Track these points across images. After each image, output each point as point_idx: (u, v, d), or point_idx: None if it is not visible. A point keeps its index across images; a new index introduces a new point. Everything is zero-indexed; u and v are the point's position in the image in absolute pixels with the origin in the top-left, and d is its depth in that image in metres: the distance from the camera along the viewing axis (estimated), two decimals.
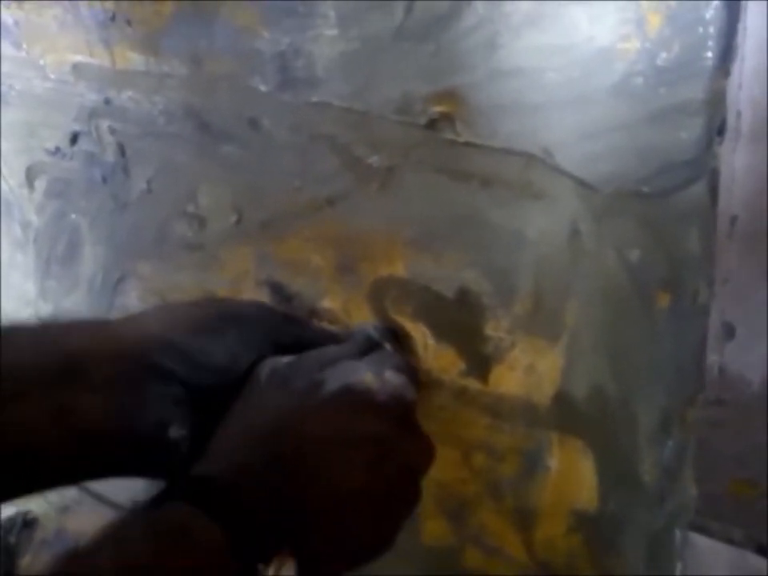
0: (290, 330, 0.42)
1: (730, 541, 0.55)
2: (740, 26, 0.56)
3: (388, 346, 0.41)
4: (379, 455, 0.36)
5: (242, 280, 0.52)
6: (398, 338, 0.45)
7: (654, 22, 0.34)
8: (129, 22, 0.51)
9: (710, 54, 0.33)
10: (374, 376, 0.38)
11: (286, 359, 0.39)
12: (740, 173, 0.63)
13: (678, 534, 0.42)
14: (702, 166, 0.36)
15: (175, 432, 0.37)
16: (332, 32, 0.43)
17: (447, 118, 0.41)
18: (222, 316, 0.40)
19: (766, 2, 0.57)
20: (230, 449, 0.35)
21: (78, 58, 0.55)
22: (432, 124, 0.41)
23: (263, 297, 0.50)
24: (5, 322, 0.36)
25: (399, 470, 0.37)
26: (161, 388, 0.37)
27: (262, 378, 0.38)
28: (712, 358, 0.69)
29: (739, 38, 0.59)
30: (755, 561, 0.53)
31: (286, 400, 0.37)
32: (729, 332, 0.69)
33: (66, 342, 0.37)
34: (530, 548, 0.46)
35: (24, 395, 0.34)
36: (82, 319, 0.43)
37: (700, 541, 0.55)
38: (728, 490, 0.61)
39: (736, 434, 0.65)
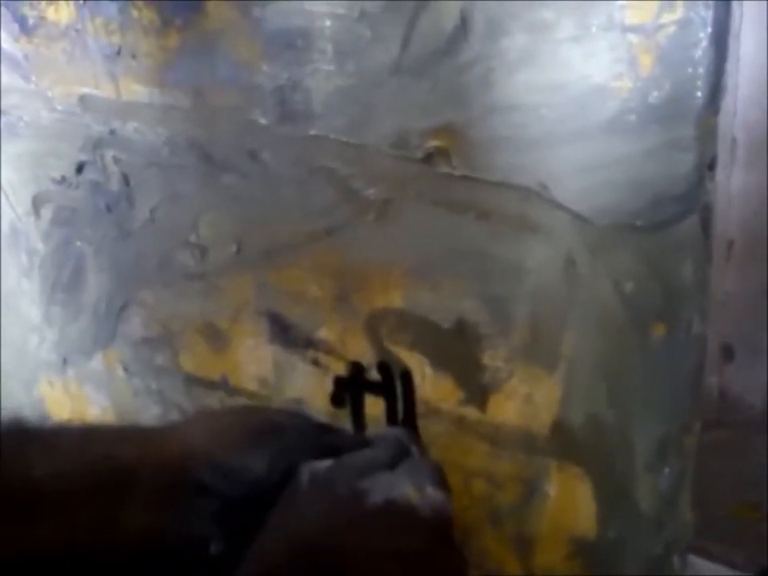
0: (324, 439, 0.42)
1: (731, 564, 0.55)
2: (728, 64, 0.57)
3: (414, 448, 0.42)
4: (418, 571, 0.36)
5: (242, 309, 0.52)
6: (420, 440, 0.46)
7: (646, 61, 0.35)
8: (134, 56, 0.52)
9: (699, 93, 0.34)
10: (416, 491, 0.38)
11: (324, 464, 0.39)
12: (736, 198, 0.64)
13: (676, 559, 0.42)
14: (694, 199, 0.36)
15: (215, 548, 0.37)
16: (329, 67, 0.43)
17: (443, 153, 0.41)
18: (263, 429, 0.40)
19: (759, 32, 0.58)
20: (269, 558, 0.35)
21: (85, 89, 0.56)
22: (428, 158, 0.42)
23: (262, 326, 0.51)
24: (53, 421, 0.37)
25: None
26: (201, 503, 0.37)
27: (302, 483, 0.38)
28: (711, 381, 0.70)
29: (729, 74, 0.60)
30: None
31: (327, 508, 0.37)
32: (728, 354, 0.70)
33: (112, 452, 0.37)
34: (530, 574, 0.46)
35: (67, 505, 0.34)
36: (129, 426, 0.43)
37: (702, 564, 0.55)
38: (730, 512, 0.61)
39: (737, 456, 0.66)
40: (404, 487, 0.38)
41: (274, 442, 0.40)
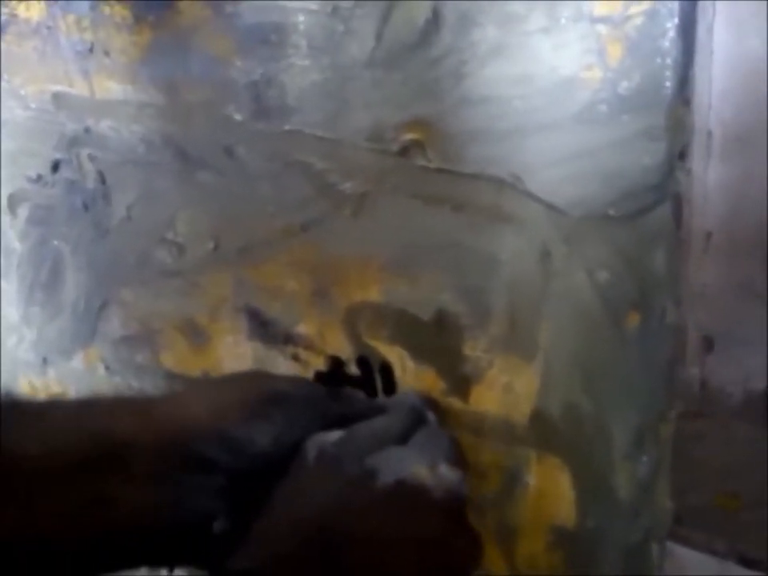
0: (334, 407, 0.41)
1: (713, 552, 0.56)
2: (703, 58, 0.57)
3: (431, 416, 0.40)
4: (430, 556, 0.35)
5: (221, 306, 0.52)
6: (438, 406, 0.44)
7: (615, 52, 0.35)
8: (107, 53, 0.52)
9: (668, 83, 0.34)
10: (429, 470, 0.36)
11: (332, 437, 0.37)
12: (713, 191, 0.65)
13: (654, 547, 0.43)
14: (665, 189, 0.36)
15: (219, 526, 0.36)
16: (303, 62, 0.43)
17: (418, 145, 0.41)
18: (267, 398, 0.39)
19: (733, 26, 0.58)
20: (274, 539, 0.34)
21: (58, 87, 0.55)
22: (404, 151, 0.42)
23: (242, 323, 0.51)
24: (47, 396, 0.36)
25: (448, 568, 0.36)
26: (204, 479, 0.36)
27: (309, 459, 0.37)
28: (692, 372, 0.70)
29: (703, 68, 0.60)
30: (738, 571, 0.54)
31: (336, 489, 0.35)
32: (708, 345, 0.70)
33: (107, 425, 0.36)
34: (512, 564, 0.47)
35: (65, 481, 0.33)
36: (124, 398, 0.41)
37: (683, 552, 0.55)
38: (711, 501, 0.61)
39: (718, 445, 0.66)
40: (416, 465, 0.36)
41: (280, 412, 0.38)
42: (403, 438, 0.38)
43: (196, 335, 0.55)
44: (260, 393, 0.39)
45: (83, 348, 0.63)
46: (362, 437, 0.38)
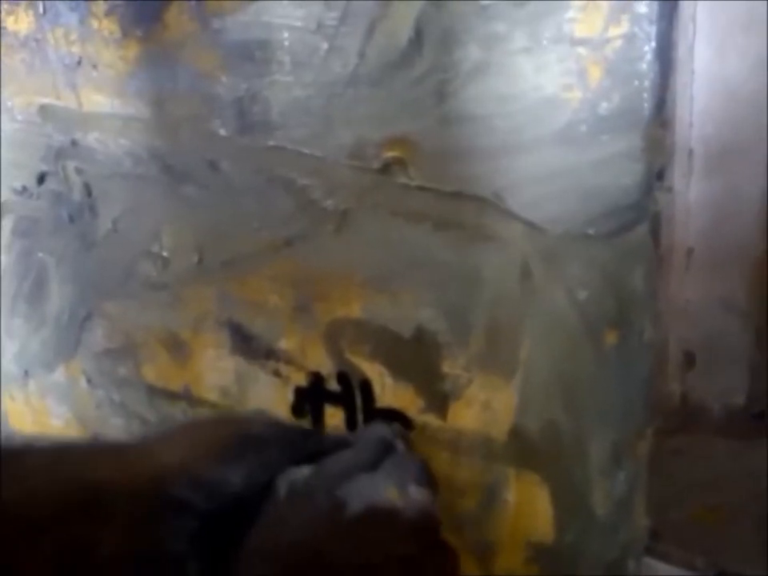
0: (305, 445, 0.41)
1: (692, 568, 0.56)
2: (684, 78, 0.58)
3: (400, 445, 0.41)
4: (406, 575, 0.35)
5: (204, 320, 0.52)
6: (407, 433, 0.45)
7: (595, 73, 0.36)
8: (95, 66, 0.52)
9: (646, 105, 0.35)
10: (398, 492, 0.37)
11: (302, 472, 0.38)
12: (695, 207, 0.65)
13: (631, 563, 0.43)
14: (643, 209, 0.37)
15: (192, 568, 0.36)
16: (287, 78, 0.44)
17: (400, 163, 0.42)
18: (239, 440, 0.39)
19: (713, 47, 0.59)
20: None
21: (46, 100, 0.55)
22: (385, 168, 0.42)
23: (224, 337, 0.51)
24: (21, 438, 0.35)
25: None
26: (178, 521, 0.36)
27: (280, 495, 0.37)
28: (674, 387, 0.71)
29: (685, 87, 0.61)
30: None
31: (306, 523, 0.36)
32: (689, 361, 0.71)
33: (83, 471, 0.36)
34: None
35: (38, 526, 0.33)
36: (101, 444, 0.42)
37: (663, 568, 0.55)
38: (690, 516, 0.61)
39: (698, 461, 0.66)
40: (386, 489, 0.37)
41: (252, 453, 0.39)
42: (372, 467, 0.39)
43: (178, 349, 0.55)
44: (231, 435, 0.40)
45: (65, 361, 0.63)
46: (332, 469, 0.38)
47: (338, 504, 0.36)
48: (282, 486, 0.38)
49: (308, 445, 0.41)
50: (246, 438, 0.40)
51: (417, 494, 0.37)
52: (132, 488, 0.35)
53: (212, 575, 0.35)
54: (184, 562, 0.36)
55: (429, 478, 0.39)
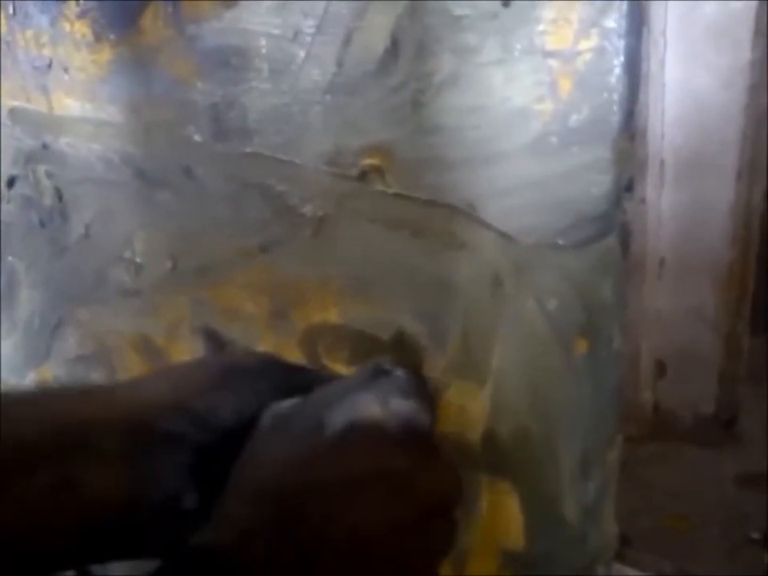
0: (296, 378, 0.40)
1: (660, 572, 0.57)
2: (655, 90, 0.59)
3: (400, 372, 0.38)
4: (396, 491, 0.33)
5: (178, 326, 0.52)
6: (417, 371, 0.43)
7: (565, 85, 0.36)
8: (66, 69, 0.52)
9: (614, 118, 0.35)
10: (381, 406, 0.35)
11: (288, 402, 0.37)
12: (666, 217, 0.66)
13: (600, 569, 0.43)
14: (612, 219, 0.37)
15: (189, 502, 0.35)
16: (264, 85, 0.44)
17: (377, 170, 0.42)
18: (227, 372, 0.39)
19: (683, 60, 0.60)
20: (233, 513, 0.33)
21: (15, 102, 0.55)
22: (363, 176, 0.42)
23: (198, 343, 0.51)
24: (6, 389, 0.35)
25: (422, 504, 0.34)
26: (172, 456, 0.35)
27: (263, 427, 0.36)
28: (646, 396, 0.72)
29: (656, 99, 0.62)
30: None
31: (287, 448, 0.35)
32: (660, 370, 0.72)
33: (68, 412, 0.35)
34: None
35: (26, 470, 0.32)
36: (84, 386, 0.41)
37: (632, 573, 0.56)
38: (660, 523, 0.62)
39: (669, 468, 0.67)
40: (367, 405, 0.35)
41: (241, 384, 0.38)
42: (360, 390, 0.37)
43: (153, 355, 0.55)
44: (220, 369, 0.39)
45: (36, 367, 0.62)
46: (319, 398, 0.37)
47: (318, 425, 0.35)
48: (267, 418, 0.36)
49: (300, 378, 0.40)
50: (235, 369, 0.39)
51: (400, 406, 0.35)
52: (121, 423, 0.35)
53: (208, 507, 0.34)
54: (180, 495, 0.35)
55: (418, 390, 0.37)
